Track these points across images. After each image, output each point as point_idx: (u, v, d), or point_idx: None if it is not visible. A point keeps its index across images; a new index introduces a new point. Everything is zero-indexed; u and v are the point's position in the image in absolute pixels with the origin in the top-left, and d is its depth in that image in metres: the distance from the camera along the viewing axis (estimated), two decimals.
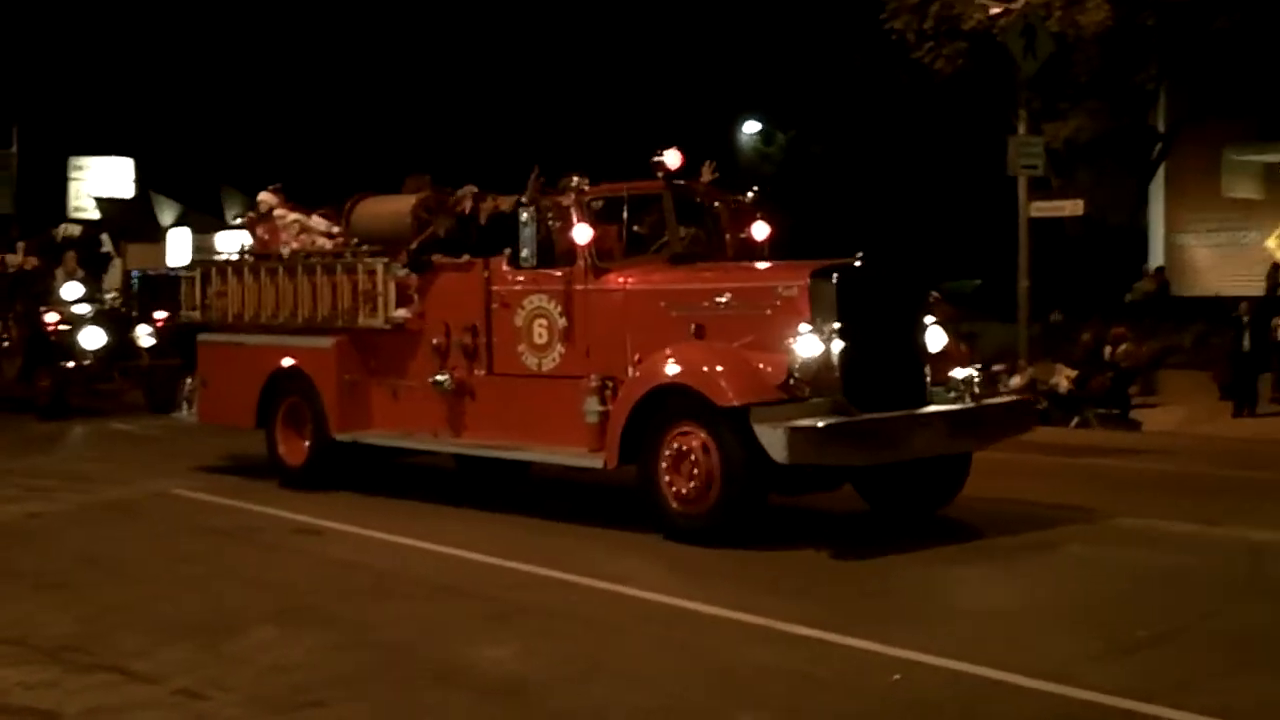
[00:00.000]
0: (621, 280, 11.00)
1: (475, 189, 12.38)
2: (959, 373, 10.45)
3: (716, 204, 12.13)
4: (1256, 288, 23.69)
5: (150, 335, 20.83)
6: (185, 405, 14.95)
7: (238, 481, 13.71)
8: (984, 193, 26.31)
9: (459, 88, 38.62)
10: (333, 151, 35.98)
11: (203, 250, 30.71)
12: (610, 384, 10.78)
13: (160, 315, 20.85)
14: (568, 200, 11.18)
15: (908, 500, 10.78)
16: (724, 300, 10.38)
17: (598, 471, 10.73)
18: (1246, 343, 19.70)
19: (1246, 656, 7.17)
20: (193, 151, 40.62)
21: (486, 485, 12.95)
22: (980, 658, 6.95)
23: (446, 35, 39.85)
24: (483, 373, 11.90)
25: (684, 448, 9.92)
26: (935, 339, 10.57)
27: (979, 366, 10.63)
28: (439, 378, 12.06)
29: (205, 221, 37.90)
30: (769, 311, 10.13)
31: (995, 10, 21.35)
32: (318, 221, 14.00)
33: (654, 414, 10.16)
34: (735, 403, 9.54)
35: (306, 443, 13.24)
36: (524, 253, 11.12)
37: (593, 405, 10.77)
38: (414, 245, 12.52)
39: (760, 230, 12.11)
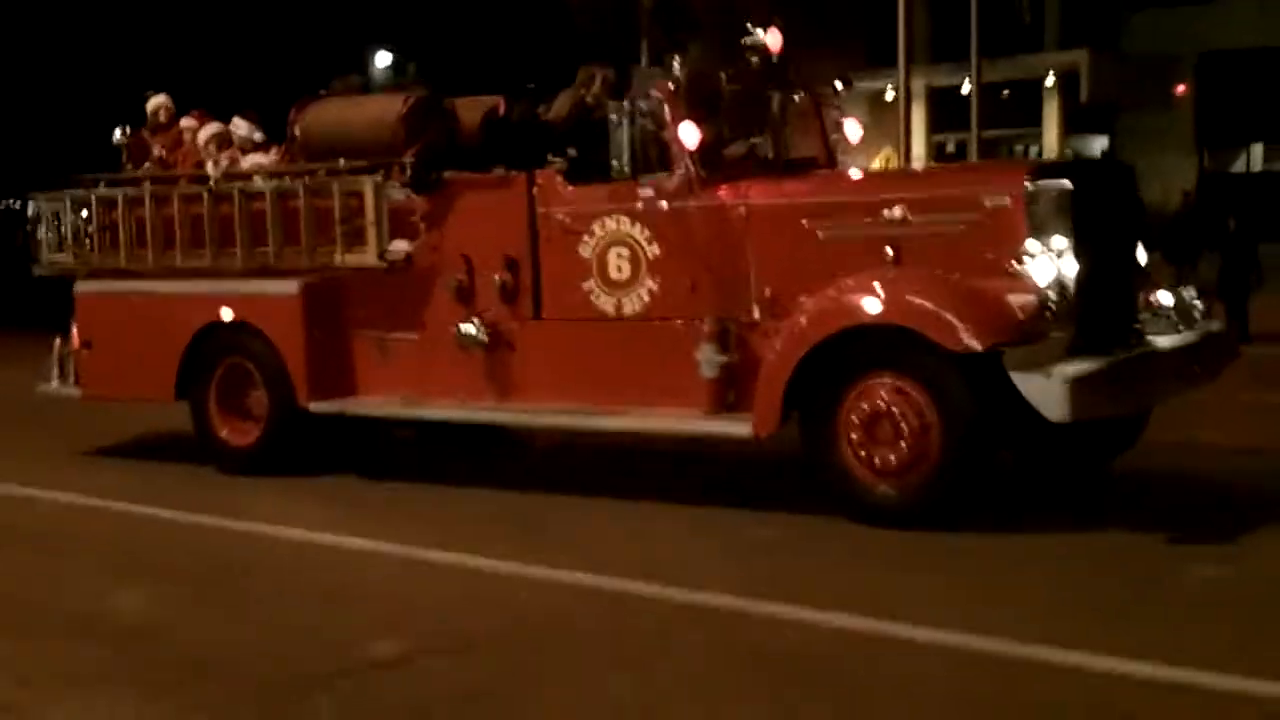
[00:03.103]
0: (741, 194, 8.62)
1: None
2: (1164, 296, 8.55)
3: (808, 96, 9.85)
4: None
5: None
6: (56, 375, 11.70)
7: None
8: None
9: None
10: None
11: None
12: (731, 327, 8.47)
13: None
14: (663, 92, 8.73)
15: (1086, 452, 8.83)
16: (898, 215, 8.13)
17: None
18: None
19: None
20: None
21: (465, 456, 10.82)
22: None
23: None
24: (529, 319, 9.35)
25: (883, 405, 7.71)
26: (1144, 256, 8.66)
27: (1198, 290, 8.75)
28: (466, 327, 9.45)
29: None
30: (965, 227, 7.96)
31: None
32: (242, 129, 11.02)
33: (828, 363, 7.89)
34: (977, 346, 7.39)
35: (261, 417, 10.38)
36: (617, 161, 8.59)
37: (710, 355, 8.45)
38: (412, 158, 9.80)
39: (853, 130, 9.93)
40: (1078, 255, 7.73)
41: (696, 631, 6.23)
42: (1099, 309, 7.93)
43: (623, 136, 8.54)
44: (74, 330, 11.46)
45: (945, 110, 30.54)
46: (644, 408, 8.84)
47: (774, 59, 9.38)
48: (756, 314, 8.50)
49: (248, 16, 34.60)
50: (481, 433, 10.86)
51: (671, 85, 8.74)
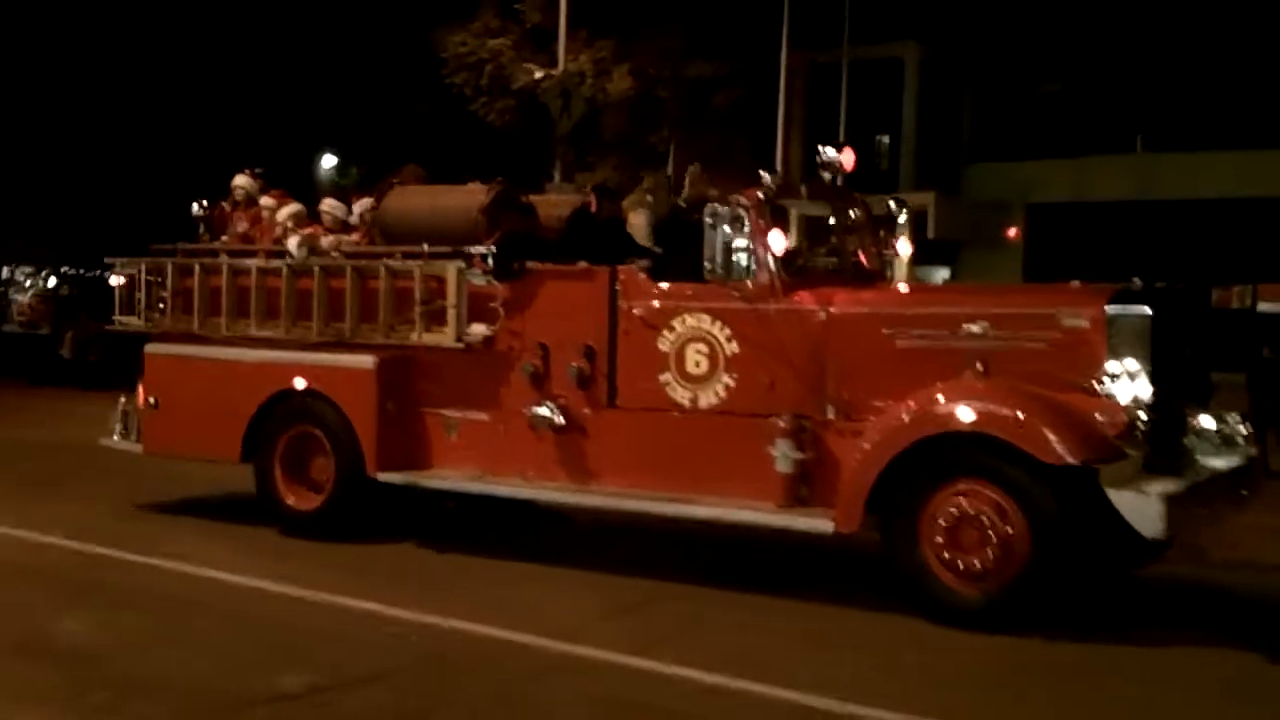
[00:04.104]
0: (823, 300, 9.06)
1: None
2: (1206, 419, 9.00)
3: (864, 213, 10.34)
4: None
5: None
6: (119, 429, 11.99)
7: None
8: None
9: None
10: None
11: None
12: (807, 425, 8.88)
13: None
14: (750, 200, 9.20)
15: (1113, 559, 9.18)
16: (977, 329, 8.58)
17: None
18: None
19: None
20: None
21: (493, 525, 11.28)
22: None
23: None
24: (602, 405, 9.73)
25: (969, 510, 8.09)
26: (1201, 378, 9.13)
27: (1244, 415, 9.20)
28: (541, 410, 9.82)
29: None
30: (1043, 345, 8.39)
31: (539, 74, 25.19)
32: (333, 208, 11.44)
33: (913, 467, 8.29)
34: (1073, 460, 7.76)
35: (326, 482, 10.70)
36: (710, 263, 9.02)
37: (786, 450, 8.82)
38: (494, 245, 10.22)
39: (905, 247, 10.41)
40: (1152, 377, 8.17)
41: None
42: (1164, 429, 8.37)
43: (717, 240, 8.97)
44: (140, 388, 11.76)
45: (814, 236, 32.04)
46: (715, 497, 9.18)
47: (845, 176, 9.83)
48: (831, 414, 8.89)
49: (205, 116, 35.64)
50: (524, 509, 11.22)
51: (761, 194, 9.20)
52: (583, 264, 9.85)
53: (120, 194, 33.98)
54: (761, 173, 9.33)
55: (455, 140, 29.30)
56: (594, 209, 10.38)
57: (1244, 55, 30.92)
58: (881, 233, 10.43)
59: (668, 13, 28.01)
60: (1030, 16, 32.72)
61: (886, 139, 35.30)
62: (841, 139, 29.76)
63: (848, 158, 9.71)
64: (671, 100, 28.62)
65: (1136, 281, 8.60)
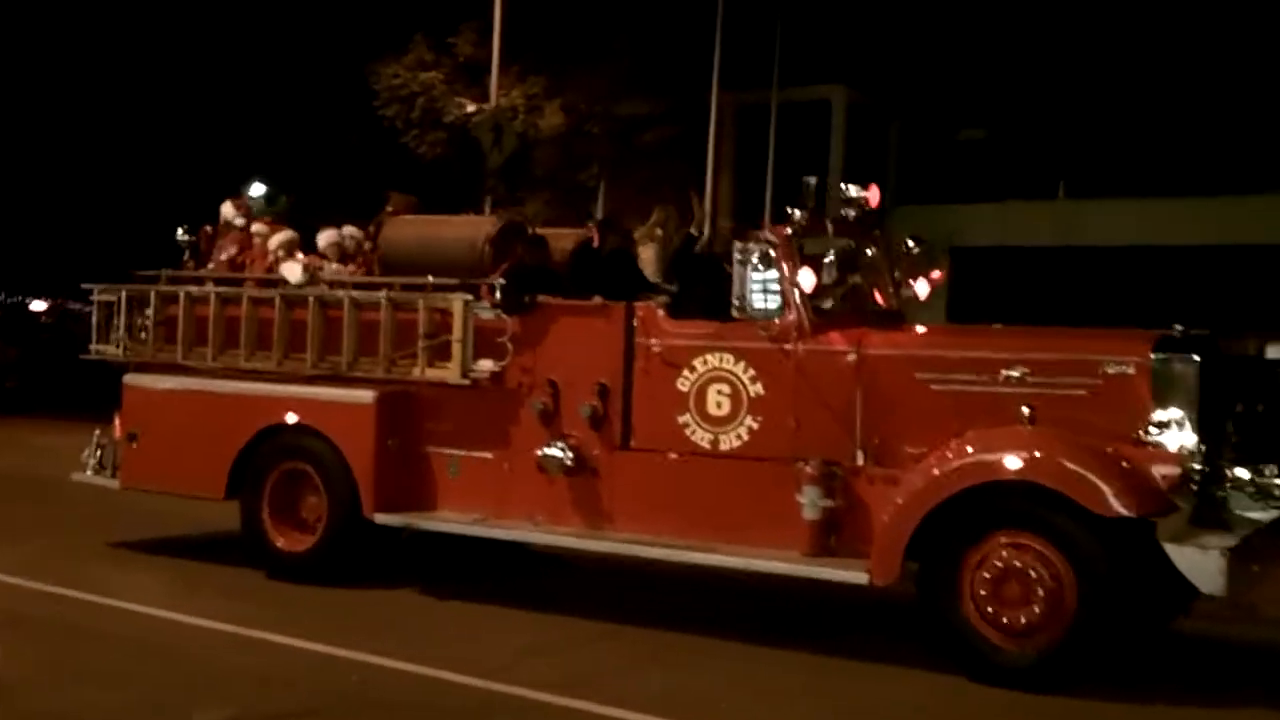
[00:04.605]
0: (853, 341, 8.75)
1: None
2: (1241, 470, 8.75)
3: (881, 251, 10.06)
4: None
5: None
6: (93, 464, 11.44)
7: None
8: None
9: None
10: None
11: None
12: (837, 471, 8.55)
13: None
14: (779, 237, 8.89)
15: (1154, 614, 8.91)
16: (1016, 374, 8.29)
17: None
18: None
19: None
20: None
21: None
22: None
23: None
24: (616, 447, 9.35)
25: (1015, 563, 7.77)
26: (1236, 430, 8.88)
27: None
28: (551, 450, 9.42)
29: None
30: (1085, 393, 8.12)
31: (471, 108, 25.63)
32: (332, 236, 11.01)
33: (954, 517, 7.97)
34: (1128, 513, 7.46)
35: (317, 522, 10.23)
36: (738, 300, 8.68)
37: (815, 498, 8.48)
38: (502, 278, 9.84)
39: (923, 288, 10.12)
40: (1198, 426, 7.92)
41: None
42: (1207, 480, 8.13)
43: (746, 277, 8.64)
44: (117, 420, 11.25)
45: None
46: (735, 545, 8.82)
47: (869, 214, 9.54)
48: (861, 460, 8.57)
49: (129, 146, 35.51)
50: (517, 551, 10.84)
51: (790, 231, 8.90)
52: (598, 299, 9.48)
53: (37, 221, 33.54)
54: (789, 209, 8.99)
55: (386, 172, 29.55)
56: (596, 242, 10.04)
57: (1165, 104, 31.88)
58: (896, 272, 10.15)
59: (600, 51, 28.41)
60: (956, 63, 33.75)
61: (814, 180, 35.25)
62: (770, 179, 30.68)
63: (873, 194, 9.41)
64: (602, 137, 28.96)
65: (1178, 328, 8.37)
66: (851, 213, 9.50)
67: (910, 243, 10.09)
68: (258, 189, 38.48)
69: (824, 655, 8.47)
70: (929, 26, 33.90)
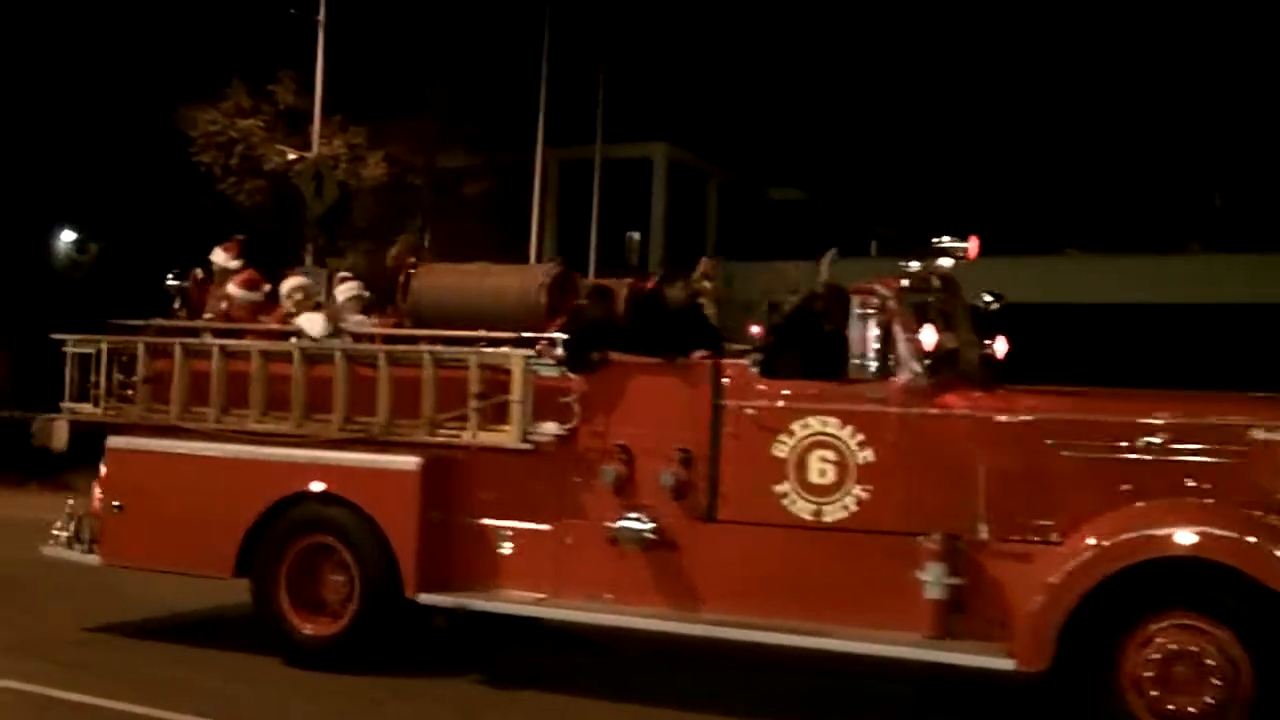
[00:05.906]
0: (974, 404, 8.13)
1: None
2: None
3: (964, 308, 9.48)
4: None
5: None
6: (70, 539, 10.19)
7: None
8: None
9: None
10: None
11: None
12: (961, 546, 7.90)
13: None
14: (893, 291, 8.25)
15: None
16: (1156, 440, 7.76)
17: None
18: None
19: None
20: None
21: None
22: None
23: None
24: (700, 519, 8.56)
25: (1184, 647, 7.20)
26: None
27: None
28: (629, 523, 8.59)
29: None
30: (1227, 460, 7.61)
31: (292, 156, 25.42)
32: (353, 288, 10.03)
33: (1108, 597, 7.36)
34: None
35: (345, 603, 9.21)
36: (859, 359, 8.00)
37: (939, 575, 7.82)
38: (565, 334, 9.01)
39: (1001, 347, 9.55)
40: None
41: None
42: None
43: (868, 334, 7.98)
44: (97, 489, 10.06)
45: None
46: (843, 626, 8.11)
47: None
48: (984, 533, 7.95)
49: None
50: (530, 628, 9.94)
51: (905, 284, 8.27)
52: (683, 357, 8.71)
53: None
54: (902, 262, 8.37)
55: (200, 219, 28.14)
56: (655, 292, 9.26)
57: (982, 163, 33.83)
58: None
59: (421, 102, 29.00)
60: (773, 124, 35.45)
61: (637, 235, 36.03)
62: (594, 233, 31.16)
63: (973, 246, 8.81)
64: (424, 188, 29.58)
65: None
66: (948, 264, 8.90)
67: (988, 298, 9.53)
68: (67, 236, 36.82)
69: None
70: (750, 88, 35.83)
